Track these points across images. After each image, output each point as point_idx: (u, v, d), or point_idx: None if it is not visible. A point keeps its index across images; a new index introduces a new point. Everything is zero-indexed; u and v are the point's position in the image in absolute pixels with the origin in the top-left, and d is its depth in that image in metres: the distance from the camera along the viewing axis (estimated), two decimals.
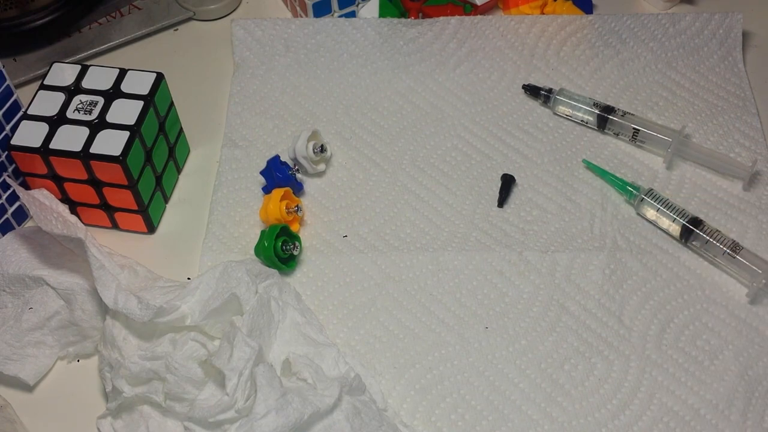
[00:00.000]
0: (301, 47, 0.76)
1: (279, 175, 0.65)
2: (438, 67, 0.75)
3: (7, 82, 0.63)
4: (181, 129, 0.70)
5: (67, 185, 0.64)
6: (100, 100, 0.64)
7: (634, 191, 0.66)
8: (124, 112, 0.63)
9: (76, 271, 0.60)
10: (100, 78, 0.65)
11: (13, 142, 0.62)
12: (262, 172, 0.67)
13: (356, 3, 0.78)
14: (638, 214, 0.66)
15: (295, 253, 0.63)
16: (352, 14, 0.78)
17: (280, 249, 0.61)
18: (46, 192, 0.62)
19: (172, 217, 0.68)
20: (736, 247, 0.62)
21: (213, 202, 0.67)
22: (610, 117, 0.69)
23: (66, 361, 0.61)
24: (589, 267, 0.63)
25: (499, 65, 0.75)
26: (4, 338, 0.59)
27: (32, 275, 0.60)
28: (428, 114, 0.72)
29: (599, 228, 0.65)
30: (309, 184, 0.68)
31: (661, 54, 0.75)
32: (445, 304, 0.62)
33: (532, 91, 0.72)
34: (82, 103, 0.64)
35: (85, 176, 0.62)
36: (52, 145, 0.61)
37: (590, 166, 0.69)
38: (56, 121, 0.63)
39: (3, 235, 0.64)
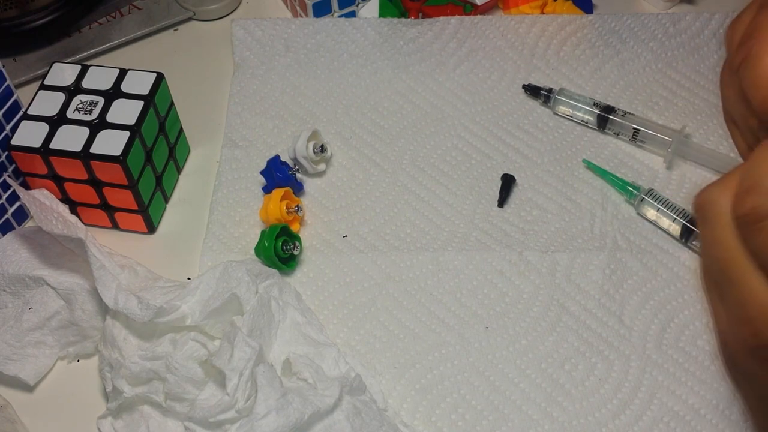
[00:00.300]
0: (301, 47, 0.76)
1: (279, 175, 0.65)
2: (438, 66, 0.75)
3: (7, 82, 0.63)
4: (181, 129, 0.70)
5: (67, 185, 0.63)
6: (100, 100, 0.64)
7: (635, 191, 0.66)
8: (124, 112, 0.63)
9: (76, 271, 0.60)
10: (100, 78, 0.65)
11: (14, 142, 0.62)
12: (262, 172, 0.67)
13: (356, 3, 0.78)
14: (638, 214, 0.66)
15: (296, 253, 0.63)
16: (352, 14, 0.78)
17: (280, 249, 0.61)
18: (46, 192, 0.62)
19: (172, 217, 0.68)
20: None
21: (213, 202, 0.67)
22: (611, 117, 0.69)
23: (66, 361, 0.61)
24: (590, 267, 0.63)
25: (499, 65, 0.75)
26: (5, 338, 0.59)
27: (32, 275, 0.60)
28: (428, 114, 0.72)
29: (599, 228, 0.65)
30: (309, 184, 0.68)
31: (661, 54, 0.75)
32: (445, 303, 0.62)
33: (532, 90, 0.72)
34: (82, 103, 0.64)
35: (85, 176, 0.62)
36: (53, 145, 0.61)
37: (590, 166, 0.69)
38: (56, 121, 0.63)
39: (3, 235, 0.64)
